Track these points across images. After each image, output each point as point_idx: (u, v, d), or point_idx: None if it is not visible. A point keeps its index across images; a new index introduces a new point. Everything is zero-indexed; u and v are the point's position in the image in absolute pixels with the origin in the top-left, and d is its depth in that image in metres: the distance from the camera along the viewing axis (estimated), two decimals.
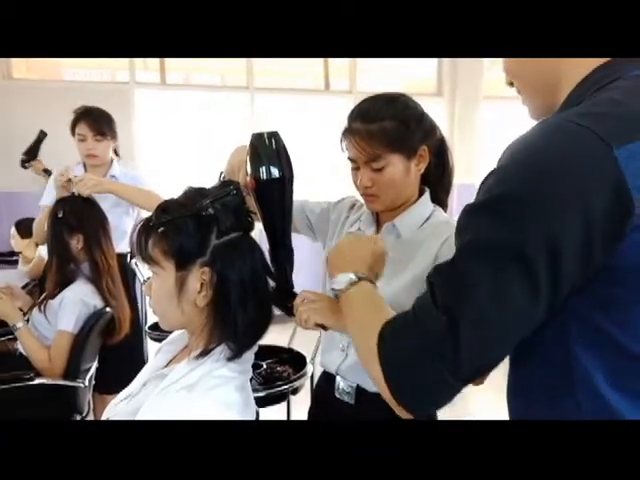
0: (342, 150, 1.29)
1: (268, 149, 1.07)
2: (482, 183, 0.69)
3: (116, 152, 3.56)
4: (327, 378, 1.41)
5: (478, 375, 0.69)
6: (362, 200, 1.38)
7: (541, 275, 0.63)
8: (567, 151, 0.63)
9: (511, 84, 0.86)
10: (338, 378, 1.35)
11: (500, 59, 0.92)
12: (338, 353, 1.35)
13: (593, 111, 0.66)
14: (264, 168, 1.03)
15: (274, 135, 1.11)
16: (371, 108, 1.24)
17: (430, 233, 1.27)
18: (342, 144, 1.28)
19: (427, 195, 1.32)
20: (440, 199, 1.37)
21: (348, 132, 1.25)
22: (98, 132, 2.64)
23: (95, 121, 2.64)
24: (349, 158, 1.27)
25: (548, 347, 0.70)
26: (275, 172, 1.03)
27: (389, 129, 1.20)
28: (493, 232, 0.65)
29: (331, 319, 1.07)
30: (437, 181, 1.35)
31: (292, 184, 1.06)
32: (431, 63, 5.64)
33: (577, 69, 0.73)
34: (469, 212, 0.69)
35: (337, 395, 1.35)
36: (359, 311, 0.89)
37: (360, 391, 1.31)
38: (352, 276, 0.93)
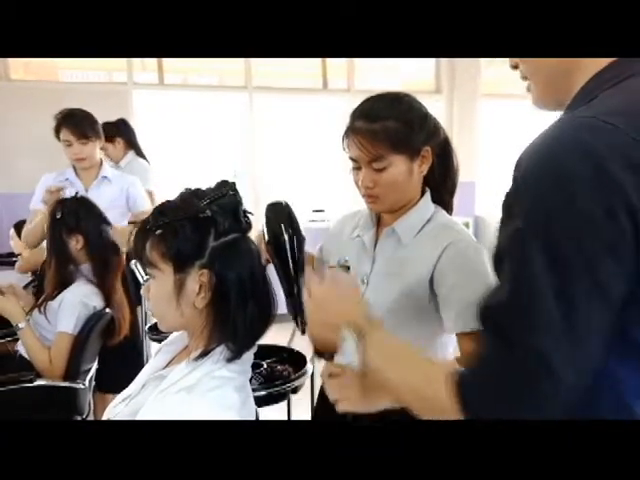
0: (343, 149, 1.27)
1: (277, 216, 1.31)
2: (519, 196, 0.65)
3: (141, 154, 3.56)
4: None
5: (586, 375, 0.65)
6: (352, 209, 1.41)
7: (609, 282, 0.61)
8: (603, 154, 0.60)
9: (515, 67, 0.82)
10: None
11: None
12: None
13: (620, 109, 0.64)
14: (272, 232, 1.27)
15: (281, 205, 1.32)
16: (374, 107, 1.22)
17: (430, 238, 1.25)
18: (344, 143, 1.26)
19: (428, 196, 1.30)
20: (444, 201, 1.35)
21: (350, 131, 1.22)
22: (82, 136, 2.62)
23: (77, 125, 2.62)
24: (350, 158, 1.25)
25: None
26: (282, 234, 1.27)
27: (392, 129, 1.18)
28: (548, 253, 0.61)
29: (361, 407, 1.05)
30: (441, 182, 1.33)
31: (299, 243, 1.27)
32: (429, 62, 5.64)
33: (594, 60, 0.71)
34: (516, 238, 0.65)
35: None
36: (397, 371, 0.81)
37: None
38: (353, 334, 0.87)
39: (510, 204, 0.67)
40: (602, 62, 0.70)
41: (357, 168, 1.25)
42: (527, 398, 0.64)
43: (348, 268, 1.20)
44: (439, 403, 0.71)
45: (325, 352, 1.11)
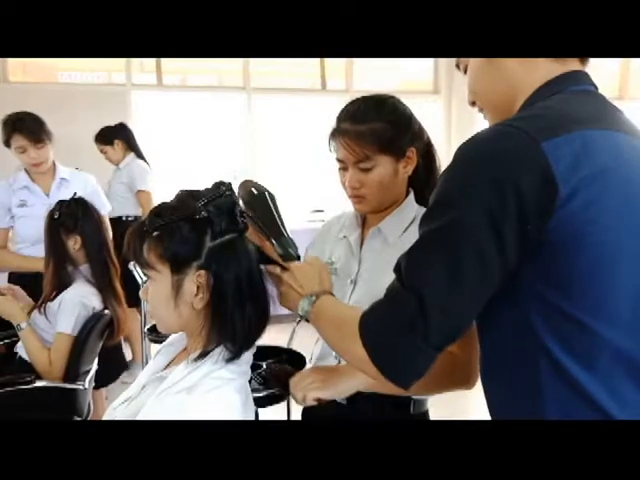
0: (330, 151, 1.29)
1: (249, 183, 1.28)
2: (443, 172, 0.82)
3: (140, 156, 3.56)
4: None
5: (449, 342, 0.78)
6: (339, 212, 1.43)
7: (487, 249, 0.73)
8: (500, 146, 0.76)
9: (473, 104, 0.98)
10: None
11: None
12: (332, 360, 1.34)
13: (526, 115, 0.81)
14: (255, 189, 1.24)
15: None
16: (360, 109, 1.25)
17: (416, 237, 1.25)
18: (330, 145, 1.28)
19: (412, 197, 1.33)
20: (428, 200, 1.36)
21: (337, 133, 1.25)
22: (37, 140, 2.58)
23: (31, 130, 2.57)
24: (337, 159, 1.28)
25: (511, 324, 0.79)
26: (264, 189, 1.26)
27: (378, 130, 1.21)
28: (442, 218, 0.76)
29: (326, 389, 1.15)
30: (424, 183, 1.34)
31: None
32: (427, 62, 5.64)
33: (529, 85, 0.86)
34: (426, 212, 0.82)
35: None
36: (332, 318, 0.96)
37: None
38: (311, 298, 1.00)
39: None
40: (534, 87, 0.86)
41: (343, 169, 1.27)
42: (400, 330, 0.77)
43: (335, 269, 1.21)
44: (353, 338, 0.83)
45: None
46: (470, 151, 0.79)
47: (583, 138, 0.75)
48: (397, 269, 0.82)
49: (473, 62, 0.92)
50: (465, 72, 0.96)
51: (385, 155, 1.22)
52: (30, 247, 2.64)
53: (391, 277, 0.83)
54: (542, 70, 0.85)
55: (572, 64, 0.86)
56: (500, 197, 0.72)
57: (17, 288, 2.38)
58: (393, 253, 1.25)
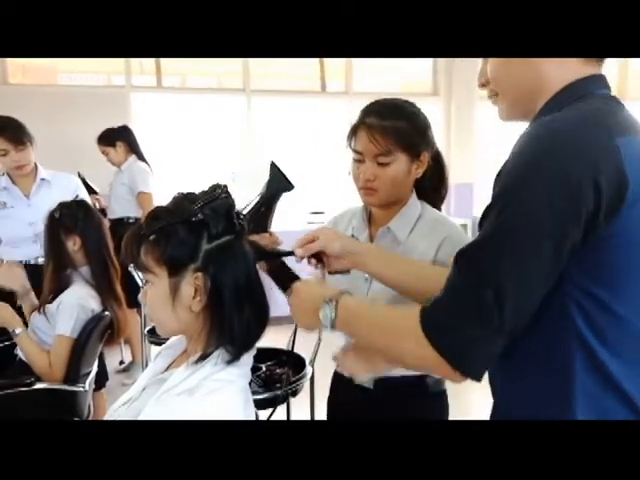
0: (349, 144, 1.35)
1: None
2: (509, 165, 0.79)
3: (142, 158, 3.55)
4: (341, 376, 1.46)
5: (519, 330, 0.78)
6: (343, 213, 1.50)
7: (559, 240, 0.74)
8: (578, 136, 0.76)
9: (483, 85, 0.98)
10: None
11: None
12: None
13: (591, 111, 0.81)
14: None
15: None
16: (387, 107, 1.33)
17: (425, 233, 1.34)
18: (351, 139, 1.34)
19: (414, 195, 1.40)
20: (437, 208, 1.45)
21: (362, 125, 1.31)
22: (19, 142, 2.60)
23: (13, 132, 2.59)
24: (356, 150, 1.33)
25: (548, 314, 0.80)
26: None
27: (402, 128, 1.29)
28: (514, 209, 0.76)
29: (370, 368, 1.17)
30: (432, 189, 1.43)
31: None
32: (427, 63, 5.65)
33: (556, 83, 0.87)
34: (494, 201, 0.79)
35: (357, 381, 1.41)
36: (367, 318, 0.94)
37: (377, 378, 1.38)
38: (330, 303, 0.96)
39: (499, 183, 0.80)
40: (563, 83, 0.86)
41: (359, 161, 1.33)
42: (475, 323, 0.76)
43: (348, 271, 1.23)
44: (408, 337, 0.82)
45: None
46: (546, 140, 0.77)
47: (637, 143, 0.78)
48: (461, 262, 0.81)
49: None
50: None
51: (403, 153, 1.29)
52: (12, 249, 2.63)
53: None
54: (570, 70, 0.86)
55: (595, 67, 0.88)
56: (577, 188, 0.73)
57: (15, 265, 2.35)
58: (404, 250, 1.34)
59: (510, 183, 0.78)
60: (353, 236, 1.43)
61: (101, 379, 2.58)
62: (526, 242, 0.75)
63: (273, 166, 1.27)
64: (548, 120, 0.81)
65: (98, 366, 2.36)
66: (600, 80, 0.88)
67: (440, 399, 1.42)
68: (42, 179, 2.74)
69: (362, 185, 1.33)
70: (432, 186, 1.43)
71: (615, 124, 0.79)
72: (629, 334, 0.79)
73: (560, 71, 0.86)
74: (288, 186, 1.28)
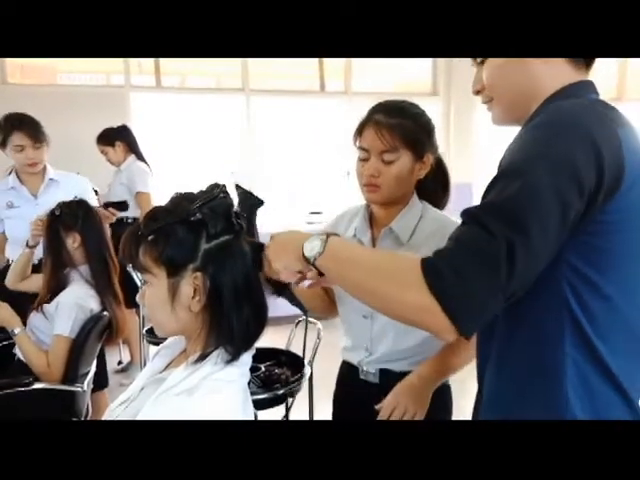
0: (355, 141, 1.37)
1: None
2: (527, 133, 0.84)
3: (141, 158, 3.55)
4: (351, 365, 1.50)
5: (521, 292, 0.80)
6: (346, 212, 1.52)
7: (570, 205, 0.77)
8: (589, 112, 0.83)
9: (477, 93, 1.01)
10: (363, 364, 1.46)
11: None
12: (362, 352, 1.45)
13: (596, 104, 0.87)
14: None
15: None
16: (393, 106, 1.36)
17: (427, 233, 1.36)
18: (357, 136, 1.37)
19: (415, 195, 1.42)
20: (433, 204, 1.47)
21: (370, 122, 1.34)
22: (37, 140, 2.61)
23: (33, 129, 2.60)
24: (362, 148, 1.35)
25: (541, 292, 0.84)
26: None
27: (409, 127, 1.33)
28: (538, 176, 0.77)
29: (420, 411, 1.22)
30: (439, 197, 1.47)
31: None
32: (426, 63, 5.65)
33: (549, 87, 0.91)
34: (511, 165, 0.82)
35: (362, 377, 1.45)
36: (359, 259, 0.89)
37: (384, 371, 1.41)
38: (320, 236, 0.91)
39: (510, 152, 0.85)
40: (556, 87, 0.90)
41: (364, 159, 1.35)
42: (485, 277, 0.76)
43: None
44: (406, 283, 0.80)
45: (278, 287, 1.12)
46: (563, 115, 0.82)
47: (632, 137, 0.84)
48: (472, 218, 0.81)
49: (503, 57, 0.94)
50: (481, 63, 0.98)
51: (408, 151, 1.32)
52: (20, 249, 2.63)
53: None
54: (562, 75, 0.91)
55: (585, 73, 0.93)
56: (587, 166, 0.77)
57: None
58: (407, 251, 1.35)
59: (522, 155, 0.81)
60: (355, 237, 1.44)
61: (102, 379, 2.57)
62: (537, 207, 0.77)
63: (238, 187, 1.24)
64: (560, 104, 0.86)
65: (98, 366, 2.36)
66: (590, 85, 0.92)
67: (444, 393, 1.44)
68: (51, 179, 2.75)
69: (366, 182, 1.35)
70: (434, 190, 1.46)
71: (615, 115, 0.85)
72: (616, 315, 0.83)
73: (552, 76, 0.90)
74: (258, 202, 1.24)
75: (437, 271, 0.78)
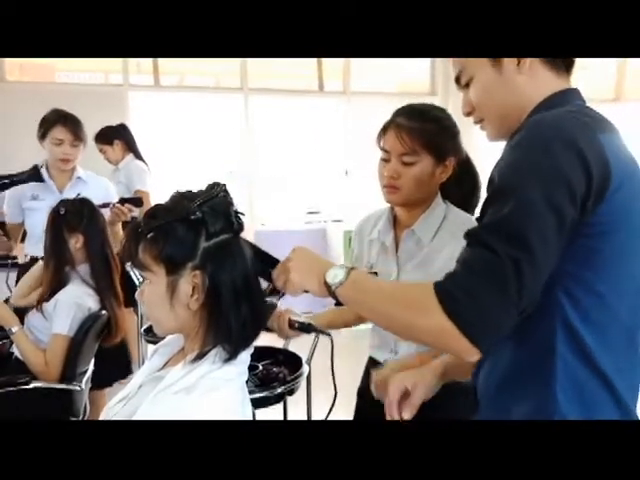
0: (378, 143, 1.40)
1: None
2: (508, 158, 0.85)
3: (139, 157, 3.55)
4: (377, 362, 1.52)
5: (531, 305, 0.82)
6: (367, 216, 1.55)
7: (566, 216, 0.80)
8: (571, 124, 0.84)
9: (469, 114, 1.03)
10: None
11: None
12: (388, 352, 1.47)
13: (576, 112, 0.88)
14: None
15: None
16: (416, 110, 1.39)
17: (450, 234, 1.37)
18: (380, 137, 1.40)
19: (439, 196, 1.43)
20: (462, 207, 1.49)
21: (392, 124, 1.37)
22: (77, 137, 2.64)
23: (75, 126, 2.64)
24: (384, 149, 1.38)
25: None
26: None
27: (430, 130, 1.34)
28: (530, 192, 0.80)
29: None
30: (466, 199, 1.49)
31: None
32: (424, 64, 5.64)
33: (535, 98, 0.93)
34: (504, 181, 0.84)
35: None
36: (379, 288, 0.94)
37: None
38: (343, 267, 0.95)
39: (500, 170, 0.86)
40: (543, 96, 0.93)
41: (386, 160, 1.38)
42: (496, 296, 0.79)
43: (376, 273, 1.27)
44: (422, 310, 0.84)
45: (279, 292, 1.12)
46: (544, 128, 0.85)
47: (616, 141, 0.86)
48: (476, 240, 0.84)
49: (484, 77, 0.96)
50: (465, 86, 1.00)
51: (428, 154, 1.34)
52: (35, 245, 2.63)
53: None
54: (547, 85, 0.93)
55: (567, 80, 0.96)
56: (575, 175, 0.79)
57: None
58: (429, 252, 1.38)
59: (511, 172, 0.84)
60: (378, 239, 1.46)
61: (102, 379, 2.56)
62: (534, 221, 0.79)
63: (253, 247, 1.20)
64: (540, 116, 0.88)
65: (106, 364, 2.35)
66: (575, 93, 0.95)
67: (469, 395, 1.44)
68: (78, 177, 2.76)
69: (386, 183, 1.37)
70: (462, 193, 1.48)
71: (596, 122, 0.87)
72: (607, 312, 0.85)
73: (535, 87, 0.93)
74: (273, 262, 1.21)
75: (450, 294, 0.81)
